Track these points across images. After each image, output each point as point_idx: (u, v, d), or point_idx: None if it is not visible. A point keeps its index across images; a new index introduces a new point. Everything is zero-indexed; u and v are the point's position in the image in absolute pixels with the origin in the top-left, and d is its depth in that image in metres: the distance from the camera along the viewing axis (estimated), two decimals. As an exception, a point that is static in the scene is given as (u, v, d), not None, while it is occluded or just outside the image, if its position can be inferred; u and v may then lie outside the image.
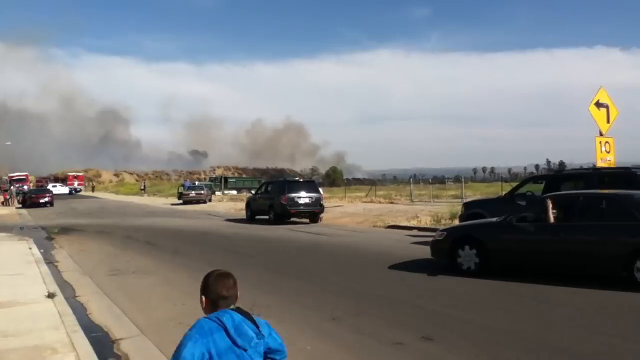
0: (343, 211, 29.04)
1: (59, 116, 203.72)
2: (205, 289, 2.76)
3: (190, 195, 44.60)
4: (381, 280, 10.14)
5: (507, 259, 9.99)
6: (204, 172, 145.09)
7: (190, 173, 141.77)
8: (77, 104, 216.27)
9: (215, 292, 2.72)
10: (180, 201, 45.18)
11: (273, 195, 24.38)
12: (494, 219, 10.88)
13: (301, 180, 27.44)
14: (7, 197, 49.75)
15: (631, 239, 8.56)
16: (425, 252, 11.58)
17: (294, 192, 23.63)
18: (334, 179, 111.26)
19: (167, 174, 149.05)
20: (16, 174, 77.08)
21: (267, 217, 24.35)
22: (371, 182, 60.11)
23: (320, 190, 26.09)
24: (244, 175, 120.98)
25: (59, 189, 71.55)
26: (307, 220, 23.96)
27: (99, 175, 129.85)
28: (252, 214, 26.32)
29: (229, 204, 42.64)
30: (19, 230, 22.69)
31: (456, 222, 16.37)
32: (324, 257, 13.08)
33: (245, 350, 2.61)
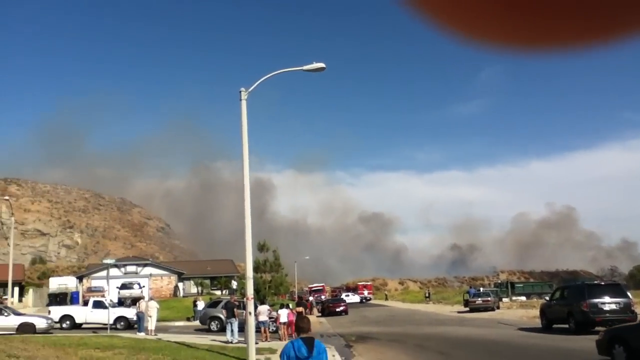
0: (662, 319, 24.51)
1: (335, 229, 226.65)
2: (296, 324, 6.77)
3: (477, 302, 43.09)
4: None
5: None
6: (487, 277, 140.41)
7: (473, 279, 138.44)
8: (351, 217, 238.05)
9: (298, 326, 6.32)
10: (467, 308, 43.96)
11: (571, 301, 22.01)
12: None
13: (603, 283, 24.35)
14: (311, 306, 55.01)
15: None
16: None
17: (597, 297, 21.02)
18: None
19: (449, 281, 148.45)
20: (315, 285, 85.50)
21: (566, 325, 21.94)
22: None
23: (629, 294, 22.68)
24: (531, 280, 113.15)
25: (351, 298, 76.35)
26: (617, 330, 20.77)
27: (385, 284, 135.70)
28: (548, 323, 24.02)
29: (519, 311, 39.87)
30: (320, 338, 24.55)
31: None
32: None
33: (302, 359, 5.71)
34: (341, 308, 47.31)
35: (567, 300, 22.79)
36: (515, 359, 15.16)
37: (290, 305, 29.43)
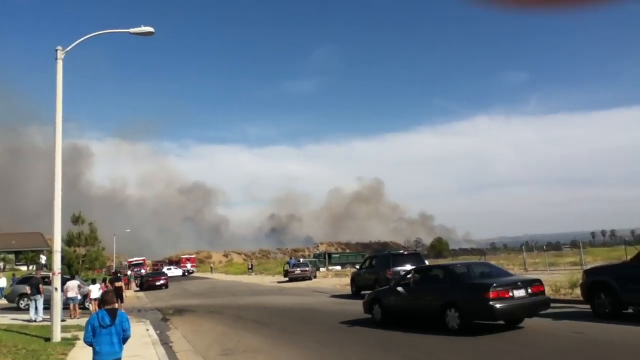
0: (452, 283, 27.84)
1: (155, 200, 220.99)
2: (101, 298, 7.52)
3: (296, 272, 44.90)
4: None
5: (393, 311, 14.30)
6: (308, 248, 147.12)
7: (295, 250, 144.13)
8: (174, 189, 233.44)
9: (103, 299, 7.09)
10: (286, 278, 45.65)
11: (378, 270, 23.96)
12: (389, 286, 15.77)
13: (406, 252, 26.90)
14: (127, 281, 52.78)
15: (442, 297, 12.45)
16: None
17: (400, 265, 23.10)
18: (440, 249, 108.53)
19: (272, 253, 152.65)
20: (134, 259, 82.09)
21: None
22: (480, 252, 57.67)
23: (426, 262, 25.35)
24: (348, 250, 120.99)
25: (173, 272, 74.79)
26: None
27: (210, 257, 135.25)
28: (358, 289, 25.87)
29: (333, 279, 42.43)
30: (137, 313, 23.79)
31: (577, 291, 15.35)
32: (442, 333, 12.46)
33: (105, 327, 6.40)
34: (161, 282, 46.21)
35: (375, 268, 24.75)
36: (323, 322, 16.15)
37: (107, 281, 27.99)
